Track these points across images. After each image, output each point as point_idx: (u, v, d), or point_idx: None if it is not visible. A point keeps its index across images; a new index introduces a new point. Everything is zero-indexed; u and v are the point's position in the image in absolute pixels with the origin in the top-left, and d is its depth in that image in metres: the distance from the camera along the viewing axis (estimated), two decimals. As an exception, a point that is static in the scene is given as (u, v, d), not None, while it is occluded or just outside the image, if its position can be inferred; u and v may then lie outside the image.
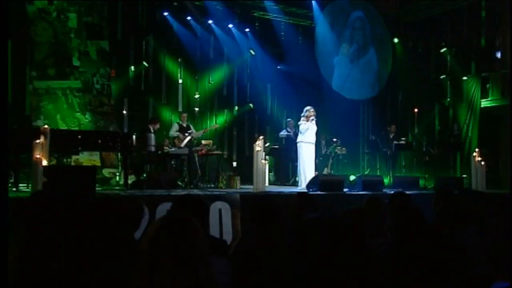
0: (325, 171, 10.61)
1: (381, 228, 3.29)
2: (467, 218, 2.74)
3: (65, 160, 8.00)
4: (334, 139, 10.66)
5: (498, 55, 12.08)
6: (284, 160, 10.50)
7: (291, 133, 10.13)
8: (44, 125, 5.98)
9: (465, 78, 11.96)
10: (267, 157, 10.61)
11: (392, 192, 4.71)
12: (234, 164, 11.85)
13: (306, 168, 8.34)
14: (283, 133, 10.52)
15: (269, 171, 10.80)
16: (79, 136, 6.43)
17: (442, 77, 12.53)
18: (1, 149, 2.28)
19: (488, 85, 11.64)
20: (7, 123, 2.72)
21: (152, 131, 8.03)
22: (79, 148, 6.50)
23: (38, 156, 5.00)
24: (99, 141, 6.68)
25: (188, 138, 8.29)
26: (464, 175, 10.38)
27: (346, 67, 12.88)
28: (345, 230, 2.21)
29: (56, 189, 4.37)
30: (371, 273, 2.28)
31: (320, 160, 10.37)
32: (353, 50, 12.94)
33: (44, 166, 4.85)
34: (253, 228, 2.21)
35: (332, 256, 2.22)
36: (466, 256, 1.77)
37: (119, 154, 8.42)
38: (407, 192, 7.05)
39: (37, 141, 5.10)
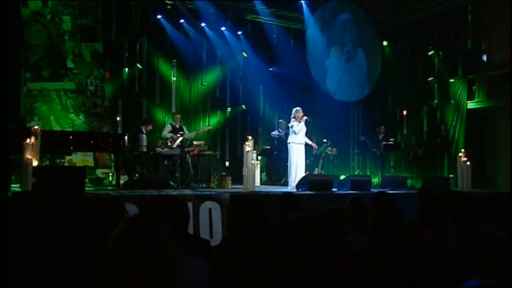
0: (316, 171, 10.60)
1: (364, 227, 3.28)
2: (446, 217, 2.73)
3: (58, 160, 7.94)
4: (324, 140, 10.66)
5: (484, 58, 12.14)
6: (276, 160, 10.50)
7: (282, 134, 10.13)
8: (37, 126, 5.90)
9: (452, 80, 12.00)
10: (259, 157, 10.66)
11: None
12: (227, 164, 11.84)
13: (297, 168, 8.34)
14: (275, 133, 10.51)
15: (261, 171, 10.81)
16: (71, 137, 6.38)
17: (430, 79, 12.57)
18: (2, 149, 2.24)
19: (474, 87, 11.68)
20: (7, 124, 2.69)
21: (144, 132, 8.00)
22: (71, 149, 6.44)
23: (28, 156, 4.95)
24: (91, 142, 6.63)
25: (180, 139, 8.25)
26: (451, 175, 10.41)
27: (337, 69, 12.91)
28: (320, 229, 2.20)
29: (45, 189, 4.33)
30: (347, 271, 2.26)
31: (311, 160, 10.37)
32: (343, 52, 12.97)
33: (33, 167, 4.80)
34: (234, 228, 2.19)
35: (308, 254, 2.21)
36: (438, 255, 1.77)
37: (111, 154, 8.36)
38: (395, 192, 7.15)
39: (28, 141, 5.04)
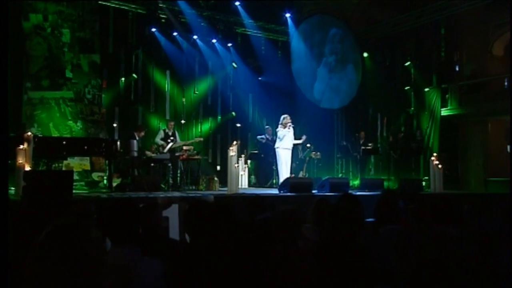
0: (301, 174, 10.61)
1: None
2: (396, 216, 2.73)
3: (56, 164, 7.87)
4: (308, 145, 10.67)
5: (457, 68, 12.25)
6: (263, 164, 10.50)
7: (269, 139, 10.12)
8: (30, 132, 5.86)
9: (427, 89, 12.09)
10: (248, 161, 10.64)
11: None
12: (218, 168, 11.80)
13: (283, 171, 8.34)
14: (261, 137, 10.49)
15: (250, 174, 10.79)
16: (64, 142, 6.33)
17: (406, 88, 12.65)
18: (2, 154, 2.21)
19: (447, 96, 11.79)
20: (7, 126, 2.65)
21: (136, 137, 7.96)
22: (64, 154, 6.39)
23: (21, 161, 4.90)
24: (85, 147, 6.58)
25: (170, 145, 8.23)
26: (426, 177, 10.45)
27: (321, 79, 12.94)
28: (273, 229, 2.20)
29: (35, 192, 4.28)
30: (300, 266, 2.25)
31: (297, 164, 10.37)
32: (326, 63, 13.02)
33: (24, 171, 4.76)
34: (190, 231, 2.17)
35: (263, 252, 2.19)
36: (367, 252, 1.78)
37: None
38: (372, 193, 7.14)
39: (21, 147, 5.00)
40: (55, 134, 8.69)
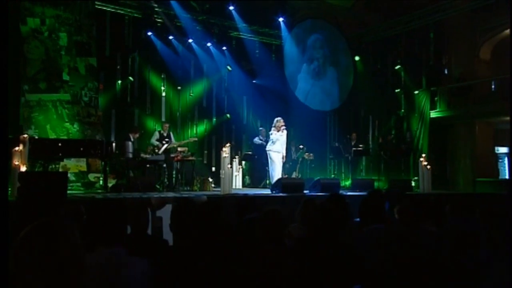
0: (294, 174, 10.64)
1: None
2: (380, 216, 2.77)
3: (53, 166, 7.84)
4: (301, 146, 10.71)
5: (446, 71, 12.35)
6: (257, 165, 10.52)
7: (263, 141, 10.14)
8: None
9: (416, 92, 12.17)
10: (243, 162, 10.66)
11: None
12: (213, 169, 11.80)
13: (276, 173, 8.36)
14: (257, 140, 10.50)
15: (245, 175, 10.81)
16: (60, 144, 6.31)
17: (397, 90, 12.73)
18: (2, 155, 2.22)
19: (436, 98, 11.88)
20: (7, 128, 2.66)
21: (131, 139, 7.96)
22: (60, 155, 6.37)
23: (16, 163, 4.89)
24: (81, 149, 6.56)
25: (164, 146, 8.23)
26: (416, 178, 10.52)
27: (308, 83, 12.98)
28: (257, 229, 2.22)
29: (29, 193, 4.28)
30: (286, 265, 2.27)
31: (290, 164, 10.41)
32: (313, 68, 13.08)
33: (19, 172, 4.75)
34: (177, 230, 2.19)
35: (251, 250, 2.22)
36: (354, 251, 1.81)
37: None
38: (362, 193, 7.17)
39: (16, 148, 4.99)
40: (52, 136, 8.66)
